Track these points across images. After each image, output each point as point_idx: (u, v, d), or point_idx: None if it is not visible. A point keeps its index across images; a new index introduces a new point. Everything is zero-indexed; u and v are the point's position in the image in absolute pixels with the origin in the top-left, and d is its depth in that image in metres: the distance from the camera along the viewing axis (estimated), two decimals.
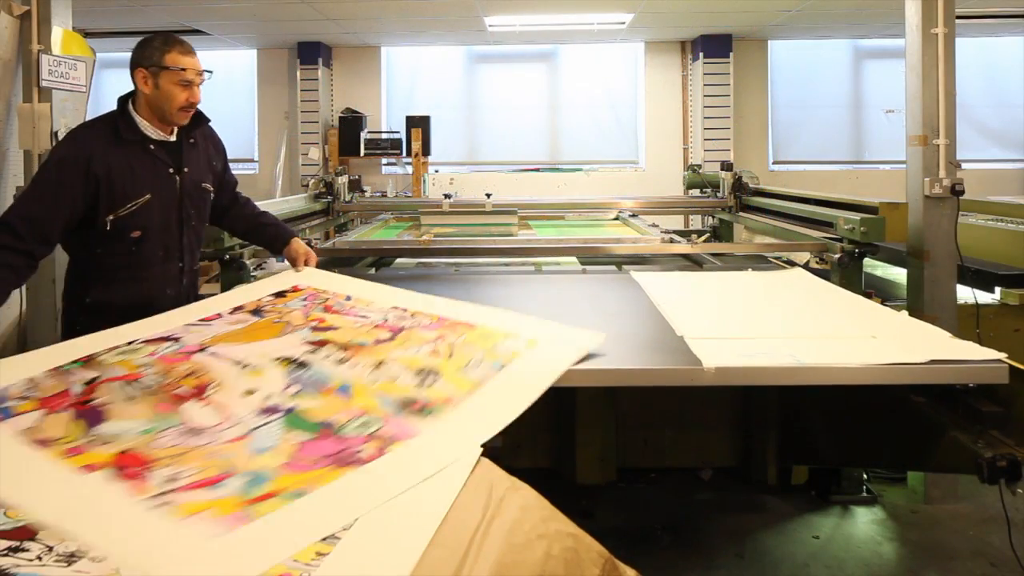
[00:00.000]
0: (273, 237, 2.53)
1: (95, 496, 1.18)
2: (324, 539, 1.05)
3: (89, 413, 1.44)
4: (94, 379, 1.57)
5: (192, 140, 2.31)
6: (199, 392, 1.52)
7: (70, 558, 1.02)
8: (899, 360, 1.74)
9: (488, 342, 1.74)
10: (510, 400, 1.47)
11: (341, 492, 1.20)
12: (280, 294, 2.16)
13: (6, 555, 1.02)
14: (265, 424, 1.42)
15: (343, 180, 4.67)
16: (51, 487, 1.21)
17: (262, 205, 3.68)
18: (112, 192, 2.07)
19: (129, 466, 1.26)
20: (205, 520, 1.11)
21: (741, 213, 4.41)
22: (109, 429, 1.38)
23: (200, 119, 2.34)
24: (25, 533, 1.08)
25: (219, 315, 1.98)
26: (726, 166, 4.66)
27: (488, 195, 4.50)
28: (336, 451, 1.32)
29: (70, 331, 2.15)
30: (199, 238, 2.36)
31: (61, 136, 3.17)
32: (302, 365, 1.65)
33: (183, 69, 2.13)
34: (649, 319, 2.13)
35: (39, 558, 1.02)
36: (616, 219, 4.76)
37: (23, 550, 1.04)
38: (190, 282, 2.33)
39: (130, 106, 2.19)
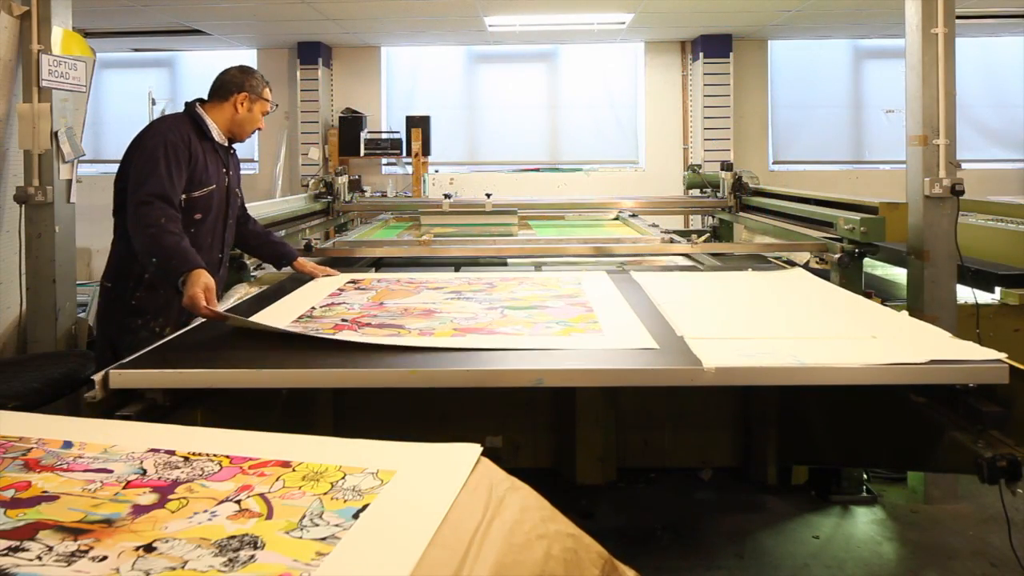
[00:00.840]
0: (279, 255, 2.89)
1: None
2: (323, 539, 1.03)
3: None
4: None
5: (232, 151, 2.73)
6: None
7: (70, 558, 0.99)
8: (899, 360, 1.74)
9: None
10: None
11: None
12: None
13: (6, 555, 1.00)
14: None
15: (343, 180, 4.67)
16: None
17: (263, 204, 3.71)
18: (194, 175, 2.44)
19: None
20: None
21: (741, 213, 4.41)
22: None
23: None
24: (25, 532, 1.05)
25: None
26: (726, 166, 4.66)
27: (488, 195, 4.51)
28: None
29: (124, 304, 2.47)
30: (232, 234, 2.70)
31: (61, 136, 3.17)
32: None
33: (275, 106, 2.73)
34: (649, 319, 2.13)
35: (39, 558, 0.99)
36: (616, 219, 4.77)
37: (23, 550, 1.01)
38: (223, 275, 2.65)
39: (202, 110, 2.58)
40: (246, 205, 2.91)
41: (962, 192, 2.97)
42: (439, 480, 1.19)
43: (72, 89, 3.26)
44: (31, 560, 0.98)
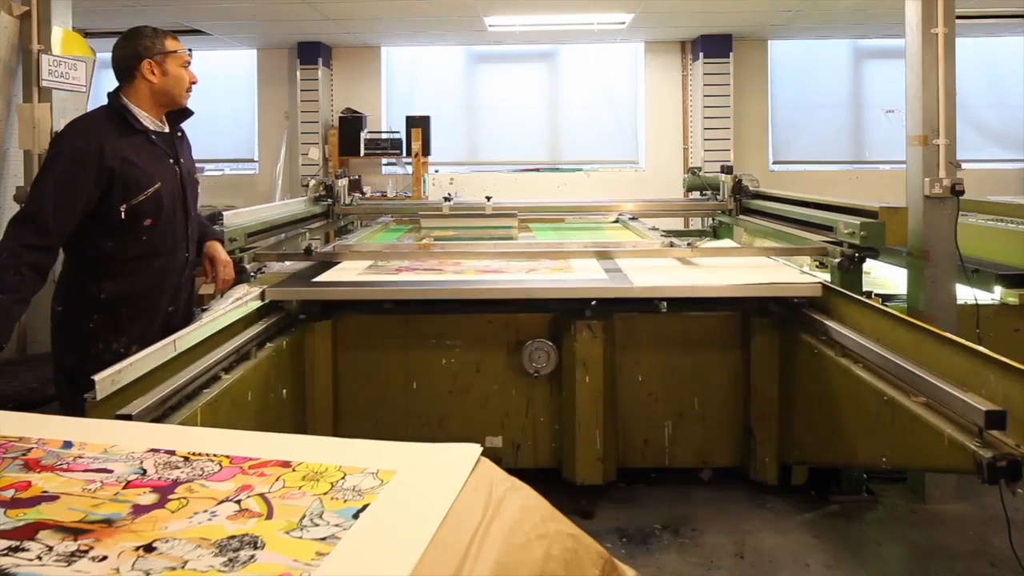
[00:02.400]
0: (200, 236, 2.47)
1: None
2: (323, 539, 1.03)
3: None
4: None
5: (180, 134, 2.36)
6: None
7: (70, 558, 0.99)
8: (749, 282, 2.86)
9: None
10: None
11: None
12: None
13: (6, 555, 1.00)
14: None
15: (343, 183, 4.64)
16: None
17: (263, 208, 3.71)
18: (126, 181, 2.11)
19: None
20: None
21: (741, 216, 4.42)
22: None
23: (183, 113, 2.36)
24: (26, 532, 1.05)
25: None
26: (726, 169, 4.63)
27: (488, 198, 4.50)
28: None
29: (80, 330, 2.18)
30: (196, 228, 2.40)
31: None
32: None
33: (188, 50, 2.27)
34: (612, 274, 3.02)
35: (39, 558, 0.99)
36: (616, 222, 4.76)
37: (23, 549, 1.01)
38: (190, 273, 2.39)
39: (124, 99, 2.22)
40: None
41: (962, 192, 2.97)
42: (439, 480, 1.19)
43: (72, 89, 3.26)
44: (31, 560, 0.98)
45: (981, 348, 1.91)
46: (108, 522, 1.08)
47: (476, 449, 1.28)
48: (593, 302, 2.90)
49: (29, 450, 1.32)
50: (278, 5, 6.11)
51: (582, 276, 3.02)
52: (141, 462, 1.28)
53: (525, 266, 3.21)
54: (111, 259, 2.16)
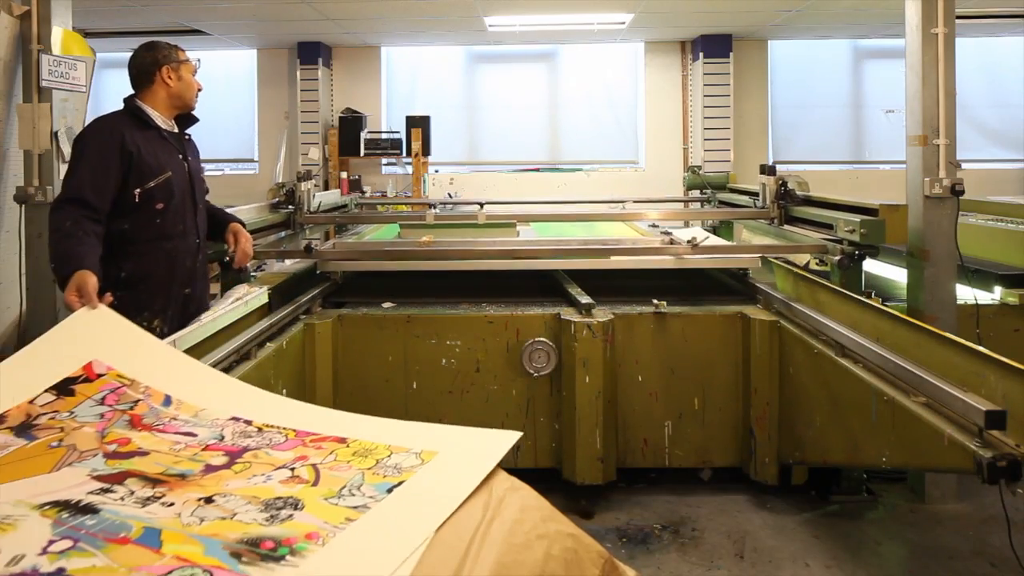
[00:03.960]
0: (215, 223, 2.68)
1: None
2: (355, 507, 1.15)
3: None
4: None
5: (188, 137, 2.62)
6: None
7: (145, 501, 1.19)
8: (700, 257, 3.25)
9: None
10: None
11: None
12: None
13: (98, 494, 1.20)
14: None
15: (307, 187, 3.97)
16: None
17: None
18: (141, 167, 2.36)
19: None
20: None
21: (786, 226, 3.76)
22: None
23: (191, 118, 2.63)
24: (117, 478, 1.26)
25: None
26: (767, 169, 3.93)
27: (481, 205, 4.39)
28: None
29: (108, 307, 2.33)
30: (205, 219, 2.63)
31: (61, 136, 3.17)
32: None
33: (198, 60, 2.57)
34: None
35: (122, 499, 1.19)
36: None
37: (111, 491, 1.22)
38: (204, 260, 2.62)
39: (140, 102, 2.49)
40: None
41: (962, 192, 2.97)
42: (474, 461, 1.30)
43: (72, 89, 3.26)
44: (115, 500, 1.20)
45: (981, 348, 1.91)
46: (182, 476, 1.29)
47: (515, 435, 1.42)
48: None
49: (136, 403, 1.52)
50: (278, 5, 6.11)
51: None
52: (222, 429, 1.48)
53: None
54: (129, 240, 2.35)
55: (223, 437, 1.45)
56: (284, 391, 2.73)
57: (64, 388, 1.52)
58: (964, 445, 1.80)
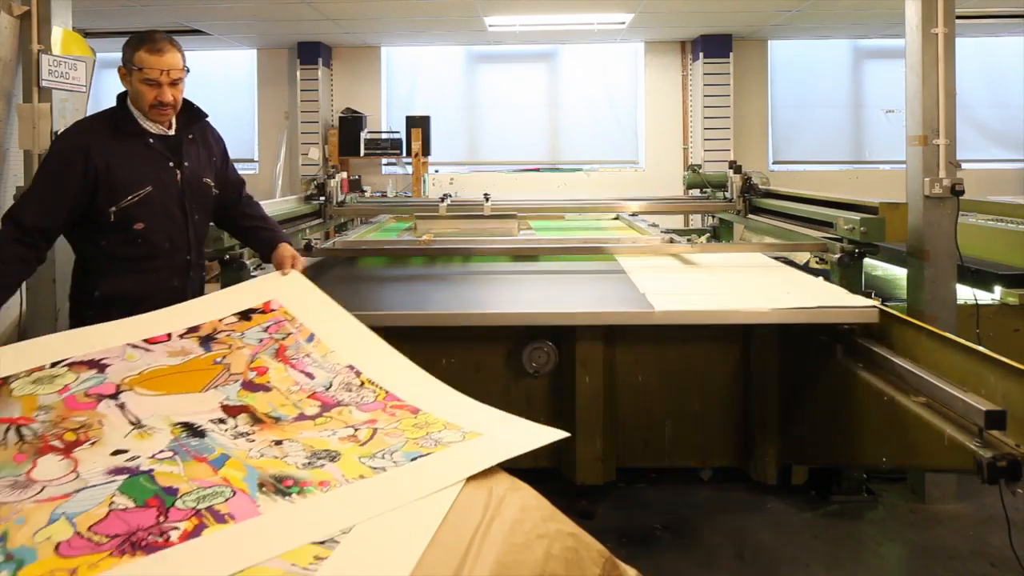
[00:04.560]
0: (263, 241, 2.46)
1: None
2: (376, 469, 1.25)
3: None
4: None
5: (191, 136, 2.34)
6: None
7: (238, 435, 1.43)
8: (795, 305, 2.40)
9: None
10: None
11: None
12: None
13: (215, 423, 1.46)
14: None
15: (336, 180, 4.48)
16: None
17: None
18: (112, 184, 2.12)
19: None
20: None
21: (750, 216, 4.31)
22: None
23: (198, 116, 2.37)
24: (234, 411, 1.53)
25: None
26: (735, 167, 4.52)
27: (486, 196, 4.47)
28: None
29: (81, 326, 2.14)
30: (204, 231, 2.40)
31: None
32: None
33: (142, 68, 2.12)
34: (620, 284, 2.77)
35: (227, 430, 1.45)
36: (616, 219, 4.76)
37: (224, 423, 1.48)
38: (197, 275, 2.36)
39: (128, 102, 2.22)
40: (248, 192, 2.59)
41: (962, 192, 2.97)
42: (503, 448, 1.39)
43: (72, 89, 3.26)
44: (222, 430, 1.45)
45: (981, 348, 1.91)
46: (277, 419, 1.53)
47: (561, 433, 1.51)
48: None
49: (288, 335, 1.82)
50: (278, 5, 6.11)
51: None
52: (335, 376, 1.70)
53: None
54: (106, 258, 2.19)
55: (331, 385, 1.67)
56: None
57: (246, 314, 1.88)
58: (964, 445, 1.80)
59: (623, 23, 6.84)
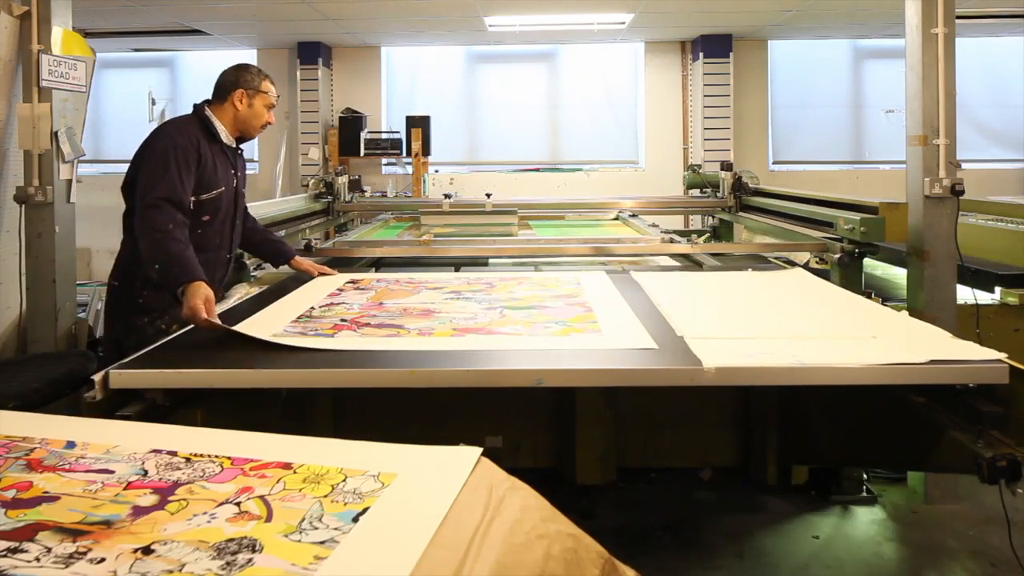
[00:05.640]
0: (277, 253, 2.93)
1: None
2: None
3: None
4: None
5: (241, 152, 2.72)
6: None
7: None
8: (899, 360, 1.74)
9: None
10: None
11: None
12: None
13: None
14: None
15: (343, 180, 4.69)
16: None
17: (264, 204, 3.72)
18: (203, 178, 2.44)
19: None
20: None
21: (741, 213, 4.42)
22: None
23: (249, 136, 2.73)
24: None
25: None
26: (726, 166, 4.65)
27: (488, 195, 4.51)
28: None
29: (130, 302, 2.51)
30: (240, 234, 2.73)
31: (61, 136, 3.17)
32: None
33: (268, 94, 2.69)
34: (648, 319, 2.15)
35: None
36: (616, 219, 4.76)
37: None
38: (228, 274, 2.69)
39: (208, 112, 2.59)
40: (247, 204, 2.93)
41: (962, 192, 2.97)
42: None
43: (72, 89, 3.26)
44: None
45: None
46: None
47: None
48: None
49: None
50: (278, 5, 6.11)
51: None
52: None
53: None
54: None
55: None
56: (284, 391, 2.72)
57: None
58: (964, 445, 1.79)
59: (623, 23, 6.84)
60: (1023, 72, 7.99)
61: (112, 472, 1.24)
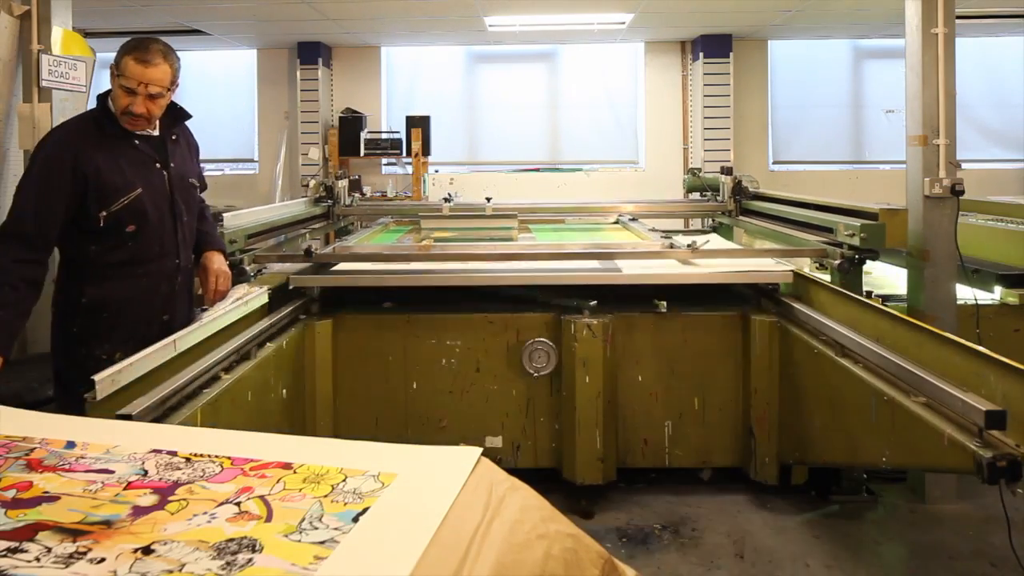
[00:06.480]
0: (197, 242, 2.41)
1: None
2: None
3: None
4: None
5: (174, 137, 2.30)
6: None
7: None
8: (724, 270, 3.06)
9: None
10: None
11: None
12: None
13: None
14: None
15: (343, 183, 4.69)
16: None
17: (264, 209, 3.71)
18: (102, 188, 2.07)
19: None
20: None
21: (741, 217, 4.43)
22: None
23: (180, 116, 2.32)
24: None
25: None
26: (726, 170, 4.64)
27: (488, 199, 4.51)
28: None
29: (65, 334, 2.18)
30: (192, 233, 2.35)
31: None
32: None
33: (122, 75, 2.10)
34: (606, 265, 3.15)
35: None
36: (616, 223, 4.76)
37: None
38: (185, 279, 2.33)
39: (109, 102, 2.17)
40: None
41: (962, 192, 2.97)
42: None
43: (72, 89, 3.26)
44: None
45: (981, 348, 1.91)
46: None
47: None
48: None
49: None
50: (278, 5, 6.11)
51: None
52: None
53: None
54: (95, 264, 2.13)
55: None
56: (284, 391, 2.73)
57: None
58: (964, 445, 1.80)
59: (623, 23, 6.84)
60: (1023, 72, 7.99)
61: (112, 472, 1.24)
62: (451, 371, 3.06)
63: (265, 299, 2.78)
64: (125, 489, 1.18)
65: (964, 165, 3.06)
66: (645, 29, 7.30)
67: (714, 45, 7.54)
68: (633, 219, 4.64)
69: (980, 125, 8.02)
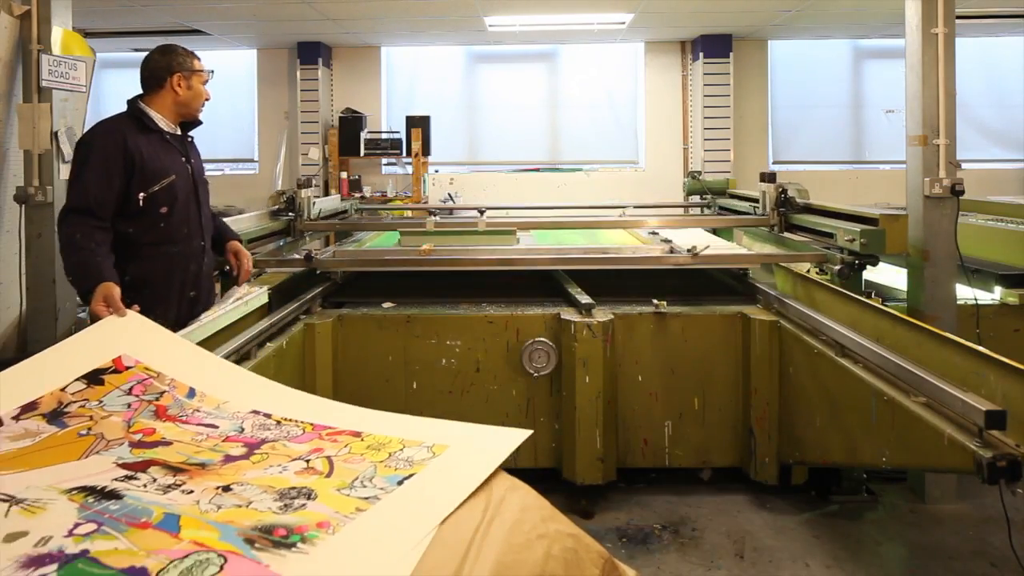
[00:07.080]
0: (216, 236, 2.69)
1: None
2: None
3: None
4: None
5: (190, 139, 2.61)
6: None
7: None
8: (705, 255, 3.26)
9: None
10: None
11: None
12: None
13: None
14: None
15: (307, 194, 3.96)
16: None
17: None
18: (144, 171, 2.36)
19: None
20: None
21: (786, 233, 3.77)
22: None
23: (195, 122, 2.63)
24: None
25: None
26: (767, 177, 3.93)
27: (481, 212, 4.39)
28: None
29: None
30: (209, 221, 2.64)
31: (61, 136, 3.17)
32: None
33: (211, 71, 2.63)
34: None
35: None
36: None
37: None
38: (209, 262, 2.61)
39: (142, 104, 2.48)
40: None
41: (962, 192, 2.97)
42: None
43: (72, 89, 3.26)
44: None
45: (981, 348, 1.91)
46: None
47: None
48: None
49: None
50: (278, 5, 6.11)
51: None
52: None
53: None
54: (133, 244, 2.35)
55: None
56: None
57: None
58: (964, 445, 1.80)
59: (623, 23, 6.84)
60: (1023, 72, 7.99)
61: (217, 427, 1.49)
62: (451, 371, 3.07)
63: (265, 299, 2.78)
64: (223, 441, 1.43)
65: (964, 165, 3.06)
66: (645, 29, 7.30)
67: (714, 45, 7.54)
68: (653, 233, 4.50)
69: (980, 125, 8.02)
